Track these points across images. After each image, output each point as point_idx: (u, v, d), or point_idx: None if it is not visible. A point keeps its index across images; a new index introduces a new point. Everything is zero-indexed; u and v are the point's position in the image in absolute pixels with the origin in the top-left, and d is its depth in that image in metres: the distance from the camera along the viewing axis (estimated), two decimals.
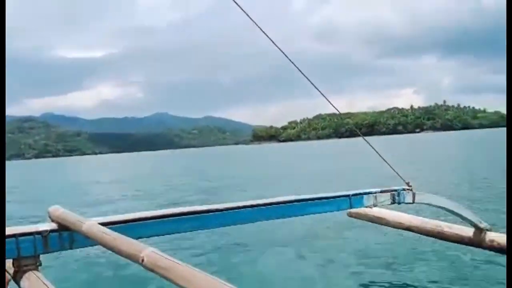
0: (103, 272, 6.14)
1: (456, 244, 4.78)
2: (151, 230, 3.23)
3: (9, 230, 2.88)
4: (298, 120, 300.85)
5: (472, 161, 24.44)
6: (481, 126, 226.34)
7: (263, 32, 4.06)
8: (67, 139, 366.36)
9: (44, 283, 2.66)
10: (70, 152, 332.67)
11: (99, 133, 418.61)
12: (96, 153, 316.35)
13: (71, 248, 3.04)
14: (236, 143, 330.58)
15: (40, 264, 2.93)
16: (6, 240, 2.77)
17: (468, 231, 4.54)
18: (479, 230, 4.43)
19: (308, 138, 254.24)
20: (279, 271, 5.92)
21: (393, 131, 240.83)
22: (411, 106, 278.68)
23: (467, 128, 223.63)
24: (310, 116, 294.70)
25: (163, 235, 3.34)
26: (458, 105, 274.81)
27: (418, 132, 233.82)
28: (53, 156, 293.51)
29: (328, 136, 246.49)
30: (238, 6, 3.97)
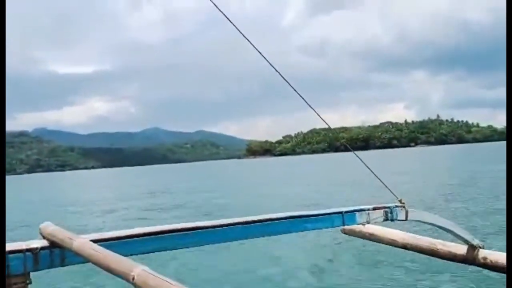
0: None
1: (450, 261, 4.78)
2: (144, 247, 3.18)
3: None
4: (293, 134, 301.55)
5: (468, 176, 24.47)
6: (475, 140, 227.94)
7: (253, 46, 4.08)
8: (60, 154, 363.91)
9: None
10: (63, 167, 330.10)
11: (91, 148, 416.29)
12: (88, 168, 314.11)
13: (61, 266, 2.98)
14: (230, 158, 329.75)
15: (30, 282, 2.88)
16: None
17: (461, 249, 4.53)
18: (472, 248, 4.42)
19: (303, 152, 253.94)
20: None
21: (388, 145, 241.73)
22: (405, 121, 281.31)
23: (462, 142, 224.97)
24: (305, 130, 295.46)
25: (155, 252, 3.30)
26: (452, 119, 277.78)
27: (413, 146, 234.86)
28: (45, 171, 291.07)
29: (323, 150, 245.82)
30: (228, 20, 4.00)
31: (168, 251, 3.41)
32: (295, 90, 4.26)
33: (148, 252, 3.23)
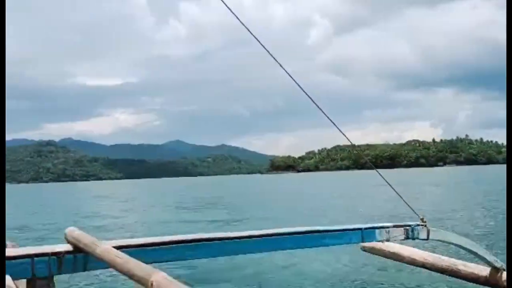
0: None
1: (471, 283, 4.66)
2: (166, 256, 3.25)
3: (25, 250, 2.95)
4: (316, 151, 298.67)
5: (498, 198, 23.71)
6: (505, 161, 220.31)
7: (278, 62, 4.17)
8: (85, 164, 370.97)
9: None
10: (87, 177, 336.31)
11: (115, 159, 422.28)
12: (112, 179, 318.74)
13: (84, 270, 3.08)
14: (251, 173, 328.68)
15: (54, 286, 2.97)
16: (22, 260, 2.84)
17: (484, 270, 4.42)
18: (495, 270, 4.32)
19: (327, 169, 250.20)
20: None
21: (415, 164, 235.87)
22: (433, 139, 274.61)
23: (491, 163, 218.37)
24: (329, 146, 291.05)
25: (178, 260, 3.36)
26: (481, 139, 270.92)
27: (441, 165, 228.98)
28: (71, 181, 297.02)
29: (348, 167, 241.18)
30: (257, 40, 4.10)
31: (191, 260, 3.46)
32: (319, 107, 4.30)
33: (170, 261, 3.29)
